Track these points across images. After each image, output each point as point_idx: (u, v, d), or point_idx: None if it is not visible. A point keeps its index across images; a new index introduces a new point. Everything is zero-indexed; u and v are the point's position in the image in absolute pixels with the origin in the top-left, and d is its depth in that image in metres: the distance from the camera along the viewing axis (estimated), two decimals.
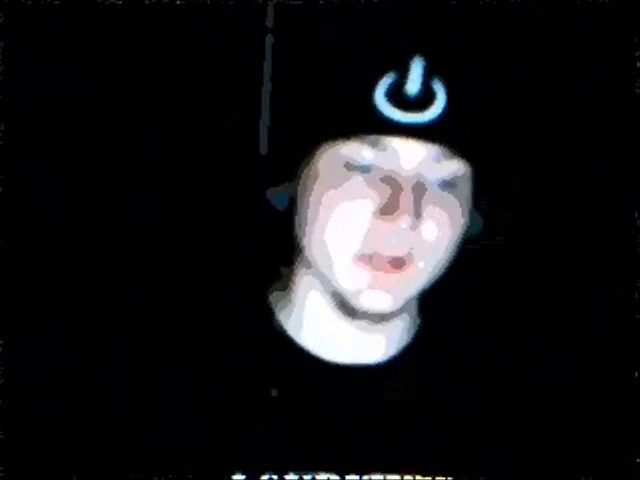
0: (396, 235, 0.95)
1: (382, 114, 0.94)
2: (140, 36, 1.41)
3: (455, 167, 0.97)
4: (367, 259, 0.97)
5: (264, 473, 1.00)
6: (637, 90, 1.32)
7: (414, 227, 0.95)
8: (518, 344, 1.11)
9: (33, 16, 1.37)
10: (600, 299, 1.39)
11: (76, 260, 1.41)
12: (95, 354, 1.07)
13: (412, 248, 0.97)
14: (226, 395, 1.03)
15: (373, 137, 0.95)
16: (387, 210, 0.95)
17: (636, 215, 1.32)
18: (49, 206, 1.42)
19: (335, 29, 1.01)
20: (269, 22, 1.43)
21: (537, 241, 1.43)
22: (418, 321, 1.08)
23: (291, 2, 1.31)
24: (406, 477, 1.01)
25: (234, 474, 1.00)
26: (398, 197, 0.95)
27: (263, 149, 1.36)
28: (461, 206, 0.99)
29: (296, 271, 1.06)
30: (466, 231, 1.02)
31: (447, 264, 1.01)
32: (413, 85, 0.95)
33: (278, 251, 1.05)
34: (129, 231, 1.43)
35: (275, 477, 1.00)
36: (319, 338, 1.04)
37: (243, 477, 1.00)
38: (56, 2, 1.37)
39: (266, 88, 1.43)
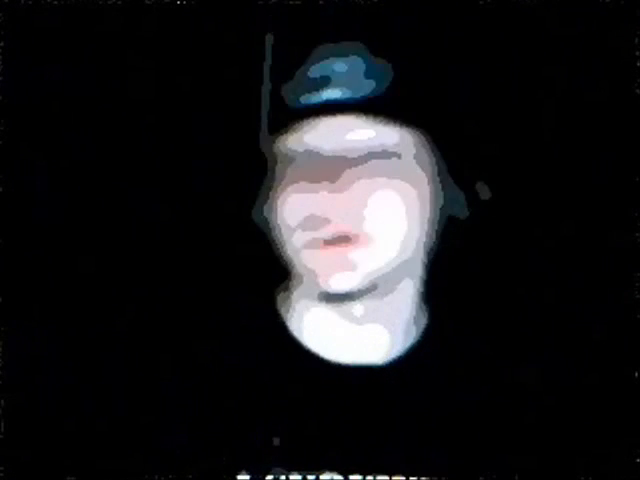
0: (324, 210, 0.97)
1: (295, 102, 0.99)
2: (140, 36, 1.40)
3: (382, 135, 0.98)
4: (316, 243, 0.98)
5: (269, 473, 1.00)
6: (637, 90, 1.32)
7: (339, 199, 0.96)
8: (518, 344, 1.11)
9: (33, 16, 1.37)
10: (600, 299, 1.39)
11: (77, 261, 1.41)
12: (97, 355, 1.07)
13: (359, 223, 0.98)
14: (231, 395, 1.03)
15: (294, 126, 0.99)
16: (312, 187, 0.97)
17: (636, 215, 1.32)
18: (49, 206, 1.42)
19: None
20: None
21: (537, 241, 1.42)
22: (424, 320, 1.08)
23: (291, 2, 1.31)
24: (411, 478, 1.01)
25: (239, 473, 1.00)
26: (317, 175, 0.97)
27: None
28: (407, 175, 0.99)
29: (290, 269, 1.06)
30: (446, 209, 1.02)
31: (422, 241, 1.01)
32: (313, 70, 0.99)
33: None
34: (132, 231, 1.43)
35: (280, 477, 1.00)
36: (318, 338, 1.05)
37: (248, 477, 1.00)
38: (56, 2, 1.37)
39: (266, 88, 1.43)
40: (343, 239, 0.98)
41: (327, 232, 0.98)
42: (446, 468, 1.03)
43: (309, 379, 1.04)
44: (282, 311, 1.08)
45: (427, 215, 1.01)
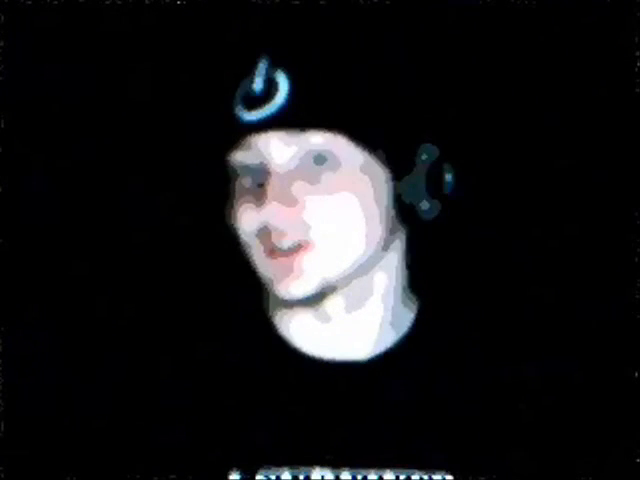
0: (274, 224, 1.00)
1: (239, 118, 1.02)
2: (140, 36, 1.40)
3: (326, 143, 1.00)
4: (270, 252, 1.01)
5: (259, 471, 1.01)
6: (637, 90, 1.32)
7: (288, 211, 0.99)
8: (518, 345, 1.11)
9: (33, 16, 1.37)
10: (600, 299, 1.39)
11: (76, 262, 1.41)
12: (94, 355, 1.07)
13: (302, 230, 1.00)
14: (219, 393, 1.04)
15: (243, 141, 1.02)
16: (259, 202, 1.00)
17: (636, 215, 1.32)
18: (49, 206, 1.42)
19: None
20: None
21: (537, 241, 1.42)
22: (411, 314, 1.09)
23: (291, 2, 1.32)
24: (401, 477, 1.02)
25: (230, 472, 1.01)
26: (266, 189, 1.00)
27: None
28: (354, 180, 1.01)
29: None
30: (404, 199, 1.03)
31: (376, 240, 1.02)
32: (257, 84, 1.02)
33: None
34: (129, 231, 1.43)
35: (270, 475, 1.01)
36: (303, 337, 1.06)
37: (238, 476, 1.01)
38: (56, 2, 1.37)
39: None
40: (293, 248, 1.00)
41: (279, 242, 1.00)
42: (435, 462, 1.03)
43: (298, 377, 1.05)
44: (269, 310, 1.09)
45: (377, 212, 1.02)
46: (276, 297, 1.04)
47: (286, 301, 1.03)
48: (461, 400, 1.05)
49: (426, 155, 1.04)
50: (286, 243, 1.00)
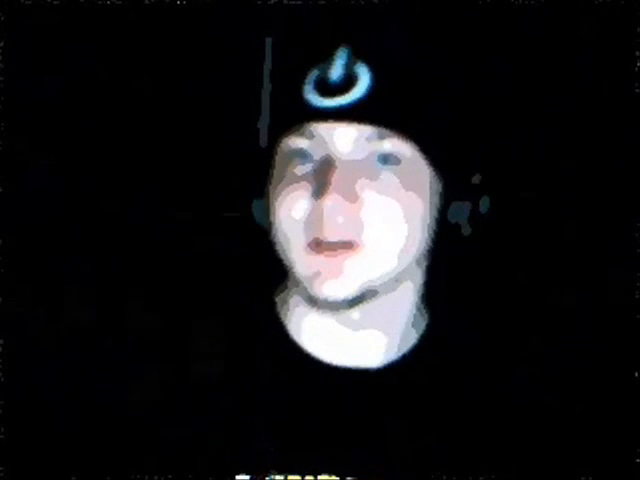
0: (331, 216, 0.96)
1: (309, 103, 0.98)
2: (140, 36, 1.41)
3: (396, 146, 0.98)
4: (315, 245, 0.98)
5: (267, 475, 1.00)
6: (637, 90, 1.32)
7: (349, 207, 0.96)
8: (519, 345, 1.11)
9: (33, 16, 1.37)
10: (600, 299, 1.39)
11: (77, 261, 1.41)
12: (97, 355, 1.07)
13: (357, 228, 0.97)
14: (228, 396, 1.03)
15: (307, 127, 0.98)
16: (317, 192, 0.97)
17: (636, 215, 1.32)
18: (49, 206, 1.42)
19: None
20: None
21: (537, 241, 1.43)
22: (424, 322, 1.08)
23: (291, 2, 1.32)
24: None
25: (237, 475, 1.00)
26: (329, 179, 0.96)
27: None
28: (412, 185, 0.99)
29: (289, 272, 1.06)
30: (449, 219, 1.02)
31: (418, 248, 1.01)
32: (335, 71, 0.98)
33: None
34: (131, 231, 1.43)
35: (277, 477, 1.00)
36: (316, 340, 1.05)
37: (247, 478, 1.00)
38: (56, 2, 1.37)
39: (266, 88, 1.43)
40: (343, 246, 0.98)
41: (328, 238, 0.97)
42: (445, 471, 1.02)
43: (307, 381, 1.04)
44: (280, 312, 1.07)
45: (427, 222, 1.01)
46: (294, 297, 1.03)
47: (317, 300, 1.00)
48: (468, 408, 1.05)
49: (477, 180, 1.04)
50: (337, 238, 0.97)
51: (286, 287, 1.06)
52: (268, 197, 1.02)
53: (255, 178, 1.07)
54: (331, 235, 0.97)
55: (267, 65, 1.44)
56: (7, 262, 1.35)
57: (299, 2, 1.26)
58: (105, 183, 1.43)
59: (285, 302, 1.07)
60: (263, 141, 1.38)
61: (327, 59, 0.99)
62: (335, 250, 0.97)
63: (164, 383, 1.03)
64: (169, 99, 1.43)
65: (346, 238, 0.97)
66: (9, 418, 1.17)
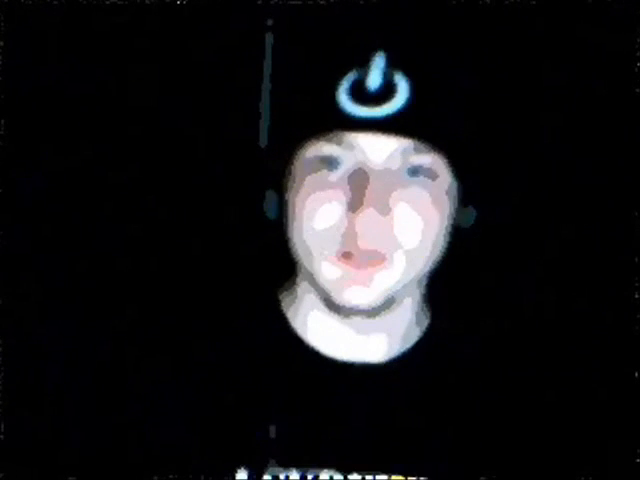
0: (365, 230, 0.96)
1: (344, 111, 0.96)
2: (140, 36, 1.40)
3: (428, 159, 0.97)
4: (344, 255, 0.97)
5: (268, 470, 1.00)
6: (637, 90, 1.32)
7: (382, 221, 0.96)
8: (519, 345, 1.11)
9: (33, 16, 1.37)
10: (600, 299, 1.39)
11: (79, 262, 1.41)
12: (97, 353, 1.07)
13: (389, 242, 0.97)
14: (232, 392, 1.03)
15: (339, 134, 0.96)
16: (353, 205, 0.96)
17: (636, 215, 1.32)
18: (49, 206, 1.42)
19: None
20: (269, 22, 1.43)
21: (537, 240, 1.43)
22: (426, 320, 1.08)
23: (291, 2, 1.32)
24: (410, 478, 1.02)
25: (238, 470, 1.01)
26: (364, 192, 0.95)
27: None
28: (439, 197, 0.99)
29: (298, 270, 1.06)
30: (457, 223, 1.02)
31: (435, 257, 1.01)
32: (373, 79, 0.96)
33: (288, 249, 1.05)
34: (135, 230, 1.43)
35: (278, 474, 1.00)
36: (321, 337, 1.05)
37: (247, 474, 1.00)
38: (56, 2, 1.37)
39: (266, 87, 1.43)
40: (370, 257, 0.97)
41: (357, 248, 0.97)
42: (446, 468, 1.03)
43: (311, 376, 1.04)
44: (285, 309, 1.07)
45: (446, 233, 1.01)
46: (306, 297, 1.03)
47: (338, 306, 0.99)
48: (471, 406, 1.05)
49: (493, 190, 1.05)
50: (371, 252, 0.97)
51: (293, 283, 1.07)
52: (282, 194, 1.01)
53: (264, 172, 1.06)
54: (364, 248, 0.97)
55: (267, 62, 1.44)
56: (7, 262, 1.36)
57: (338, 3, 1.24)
58: (105, 183, 1.42)
59: (292, 300, 1.07)
60: (263, 141, 1.39)
61: (363, 64, 0.96)
62: (366, 261, 0.97)
63: (165, 379, 1.03)
64: (169, 99, 1.43)
65: (378, 251, 0.97)
66: (9, 418, 1.17)
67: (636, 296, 1.28)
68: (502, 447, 1.05)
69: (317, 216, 0.97)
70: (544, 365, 1.10)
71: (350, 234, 0.96)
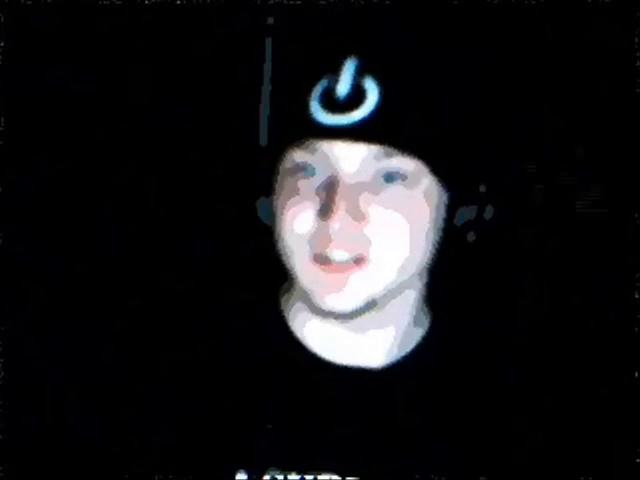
0: (335, 234, 0.96)
1: (316, 119, 0.96)
2: (140, 36, 1.41)
3: (403, 164, 0.97)
4: (320, 260, 0.98)
5: (266, 473, 1.00)
6: (637, 90, 1.32)
7: (354, 225, 0.96)
8: (519, 345, 1.11)
9: (33, 16, 1.37)
10: (600, 299, 1.39)
11: (79, 261, 1.41)
12: (97, 353, 1.07)
13: (362, 246, 0.97)
14: (229, 394, 1.03)
15: (313, 142, 0.97)
16: (323, 212, 0.96)
17: (636, 215, 1.32)
18: (49, 205, 1.42)
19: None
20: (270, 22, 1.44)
21: (537, 241, 1.43)
22: (427, 322, 1.08)
23: (291, 2, 1.32)
24: None
25: (237, 473, 1.01)
26: (334, 199, 0.95)
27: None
28: (417, 201, 0.99)
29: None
30: (456, 224, 1.03)
31: (420, 259, 1.01)
32: (342, 87, 0.96)
33: None
34: (134, 229, 1.43)
35: (277, 477, 1.00)
36: (319, 341, 1.05)
37: (245, 477, 1.00)
38: (56, 2, 1.37)
39: (266, 88, 1.43)
40: (349, 262, 0.97)
41: (338, 254, 0.97)
42: (446, 472, 1.03)
43: (310, 380, 1.04)
44: (284, 310, 1.07)
45: (431, 234, 1.01)
46: (298, 301, 1.03)
47: (320, 310, 1.00)
48: (471, 409, 1.05)
49: (483, 188, 1.03)
50: (344, 256, 0.97)
51: (291, 286, 1.07)
52: (273, 199, 1.02)
53: (256, 177, 1.07)
54: (337, 254, 0.97)
55: (267, 65, 1.44)
56: (7, 262, 1.36)
57: (306, 8, 1.24)
58: (106, 183, 1.43)
59: (289, 303, 1.07)
60: (263, 140, 1.39)
61: (334, 71, 0.96)
62: (341, 266, 0.98)
63: (164, 380, 1.03)
64: (169, 98, 1.43)
65: (352, 255, 0.97)
66: (9, 418, 1.17)
67: (636, 296, 1.29)
68: (502, 448, 1.05)
69: (295, 222, 0.98)
70: (544, 365, 1.10)
71: (323, 240, 0.97)
